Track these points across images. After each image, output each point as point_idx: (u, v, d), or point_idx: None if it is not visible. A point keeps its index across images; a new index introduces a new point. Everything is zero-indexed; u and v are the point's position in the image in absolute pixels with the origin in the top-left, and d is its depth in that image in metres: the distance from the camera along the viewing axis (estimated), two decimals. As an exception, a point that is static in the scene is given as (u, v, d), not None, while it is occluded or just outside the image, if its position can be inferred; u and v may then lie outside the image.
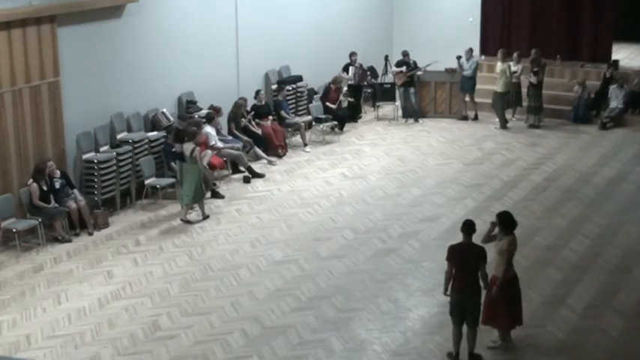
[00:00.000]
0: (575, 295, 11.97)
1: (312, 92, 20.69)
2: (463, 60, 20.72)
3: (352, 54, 21.01)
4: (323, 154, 18.64)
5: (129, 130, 16.11)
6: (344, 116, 20.33)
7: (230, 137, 17.61)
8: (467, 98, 21.08)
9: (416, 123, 20.96)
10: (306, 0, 20.93)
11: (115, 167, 15.27)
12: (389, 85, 21.56)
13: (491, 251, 10.36)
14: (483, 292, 10.24)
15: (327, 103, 20.13)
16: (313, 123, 19.79)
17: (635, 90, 20.64)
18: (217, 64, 18.29)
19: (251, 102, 18.59)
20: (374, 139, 19.74)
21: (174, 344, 10.81)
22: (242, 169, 17.27)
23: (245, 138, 17.86)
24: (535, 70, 20.03)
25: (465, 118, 21.13)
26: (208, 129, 16.54)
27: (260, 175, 17.14)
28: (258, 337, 10.96)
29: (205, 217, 14.99)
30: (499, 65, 20.17)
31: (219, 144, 16.83)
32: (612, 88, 20.54)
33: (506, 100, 20.40)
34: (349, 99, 20.69)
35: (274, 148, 18.33)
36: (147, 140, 16.16)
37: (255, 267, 13.08)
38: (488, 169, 17.55)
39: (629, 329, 11.10)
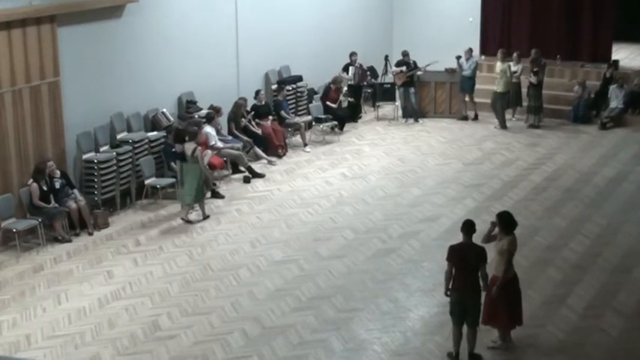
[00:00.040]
0: (575, 295, 11.97)
1: (312, 92, 20.69)
2: (463, 60, 20.72)
3: (352, 54, 21.01)
4: (323, 154, 18.64)
5: (129, 130, 16.11)
6: (344, 116, 20.33)
7: (230, 137, 17.61)
8: (466, 98, 21.09)
9: (416, 123, 20.97)
10: (306, 0, 20.93)
11: (115, 167, 15.27)
12: (389, 85, 21.56)
13: (492, 251, 10.36)
14: (484, 292, 10.24)
15: (328, 103, 20.14)
16: (313, 123, 19.79)
17: (635, 90, 20.64)
18: (217, 64, 18.29)
19: (251, 102, 18.60)
20: (374, 139, 19.74)
21: (174, 344, 10.81)
22: (242, 169, 17.27)
23: (245, 138, 17.86)
24: (535, 70, 20.03)
25: (465, 118, 21.13)
26: (208, 129, 16.53)
27: (260, 175, 17.14)
28: (258, 337, 10.97)
29: (205, 217, 14.99)
30: (499, 65, 20.17)
31: (219, 144, 16.83)
32: (612, 88, 20.55)
33: (506, 100, 20.40)
34: (349, 99, 20.70)
35: (274, 148, 18.33)
36: (147, 140, 16.16)
37: (255, 267, 13.08)
38: (488, 169, 17.55)
39: (629, 329, 11.10)
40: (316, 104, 20.19)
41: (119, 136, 15.81)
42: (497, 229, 10.35)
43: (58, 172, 14.26)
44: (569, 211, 15.17)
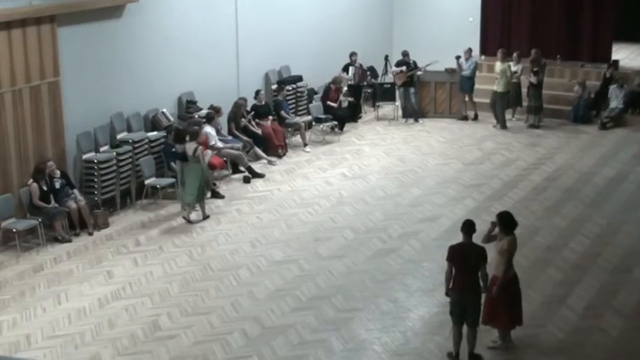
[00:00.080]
0: (575, 295, 11.97)
1: (312, 92, 20.69)
2: (462, 60, 20.72)
3: (352, 54, 21.01)
4: (323, 154, 18.64)
5: (129, 130, 16.11)
6: (344, 116, 20.33)
7: (230, 137, 17.61)
8: (466, 98, 21.09)
9: (416, 123, 20.96)
10: (306, 0, 20.93)
11: (115, 167, 15.27)
12: (389, 85, 21.56)
13: (492, 251, 10.36)
14: (484, 293, 10.25)
15: (329, 102, 20.14)
16: (313, 123, 19.79)
17: (635, 90, 20.65)
18: (217, 64, 18.29)
19: (251, 102, 18.60)
20: (374, 139, 19.74)
21: (174, 344, 10.81)
22: (242, 169, 17.27)
23: (245, 138, 17.86)
24: (535, 70, 20.03)
25: (465, 118, 21.13)
26: (208, 129, 16.54)
27: (260, 175, 17.14)
28: (258, 337, 10.97)
29: (205, 217, 14.99)
30: (498, 65, 20.16)
31: (219, 144, 16.83)
32: (612, 88, 20.55)
33: (506, 101, 20.40)
34: (349, 99, 20.70)
35: (274, 148, 18.33)
36: (147, 140, 16.16)
37: (255, 267, 13.08)
38: (488, 169, 17.55)
39: (629, 329, 11.10)
40: (316, 104, 20.19)
41: (119, 136, 15.81)
42: (497, 229, 10.35)
43: (58, 172, 14.26)
44: (569, 211, 15.17)
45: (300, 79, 20.31)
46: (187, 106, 17.41)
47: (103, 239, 14.21)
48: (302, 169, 17.67)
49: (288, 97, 19.74)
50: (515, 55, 20.66)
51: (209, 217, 15.03)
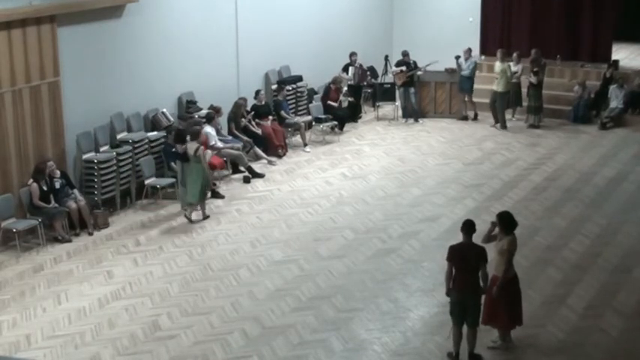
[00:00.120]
0: (575, 295, 11.97)
1: (312, 92, 20.70)
2: (462, 60, 20.72)
3: (352, 54, 21.01)
4: (323, 154, 18.64)
5: (129, 130, 16.11)
6: (344, 116, 20.33)
7: (230, 137, 17.61)
8: (466, 98, 21.09)
9: (416, 123, 20.96)
10: (306, 0, 20.93)
11: (115, 167, 15.27)
12: (389, 85, 21.56)
13: (492, 251, 10.36)
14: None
15: (329, 102, 20.14)
16: (313, 123, 19.79)
17: (635, 90, 20.64)
18: (217, 64, 18.29)
19: (251, 102, 18.60)
20: (374, 139, 19.74)
21: (174, 344, 10.81)
22: (242, 169, 17.27)
23: (245, 138, 17.86)
24: (535, 70, 20.03)
25: (465, 118, 21.13)
26: (208, 129, 16.54)
27: (260, 175, 17.14)
28: (258, 337, 10.97)
29: (205, 217, 14.99)
30: (498, 65, 20.16)
31: (219, 144, 16.83)
32: (612, 88, 20.55)
33: (506, 100, 20.40)
34: (349, 99, 20.70)
35: (274, 148, 18.33)
36: (147, 140, 16.16)
37: (255, 267, 13.08)
38: (488, 169, 17.55)
39: (629, 329, 11.10)
40: (316, 104, 20.19)
41: (119, 136, 15.81)
42: (497, 229, 10.35)
43: (58, 172, 14.27)
44: (569, 211, 15.17)
45: (300, 79, 20.31)
46: (187, 106, 17.41)
47: (103, 239, 14.21)
48: (302, 169, 17.67)
49: (288, 97, 19.74)
50: (515, 55, 20.65)
51: (209, 217, 15.03)
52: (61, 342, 10.88)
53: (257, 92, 18.67)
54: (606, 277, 12.57)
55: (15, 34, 13.82)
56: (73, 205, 14.24)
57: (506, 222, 10.27)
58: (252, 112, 18.39)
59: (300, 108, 20.22)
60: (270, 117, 18.71)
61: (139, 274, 12.86)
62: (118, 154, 15.38)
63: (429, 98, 21.43)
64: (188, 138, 14.98)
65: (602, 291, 12.13)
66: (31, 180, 13.95)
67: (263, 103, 18.62)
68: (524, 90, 20.62)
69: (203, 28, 17.82)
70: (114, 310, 11.74)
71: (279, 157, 18.32)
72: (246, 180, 16.93)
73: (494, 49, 21.41)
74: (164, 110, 16.76)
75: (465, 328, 10.22)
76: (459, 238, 10.35)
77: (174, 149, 15.54)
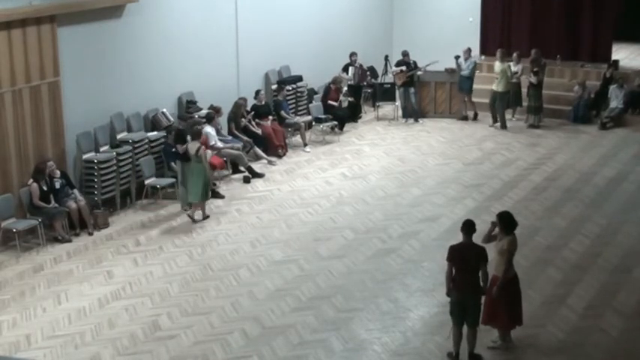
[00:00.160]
0: (575, 295, 11.97)
1: (312, 92, 20.70)
2: (461, 60, 20.72)
3: (352, 54, 21.01)
4: (323, 154, 18.64)
5: (129, 130, 16.11)
6: (344, 116, 20.33)
7: (230, 137, 17.62)
8: (465, 98, 21.09)
9: (416, 123, 20.96)
10: (306, 0, 20.93)
11: (115, 167, 15.27)
12: (389, 85, 21.56)
13: (492, 251, 10.36)
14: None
15: (329, 102, 20.14)
16: (313, 123, 19.79)
17: (635, 90, 20.64)
18: (217, 64, 18.29)
19: (251, 102, 18.60)
20: (374, 139, 19.74)
21: (174, 344, 10.81)
22: (242, 169, 17.28)
23: (245, 138, 17.86)
24: (535, 70, 20.03)
25: (465, 118, 21.13)
26: (208, 129, 16.53)
27: (260, 175, 17.14)
28: (258, 337, 10.97)
29: (205, 217, 14.99)
30: (498, 65, 20.16)
31: (219, 144, 16.83)
32: (612, 88, 20.55)
33: (506, 100, 20.40)
34: (349, 99, 20.70)
35: (274, 148, 18.33)
36: (147, 140, 16.16)
37: (255, 267, 13.08)
38: (488, 169, 17.55)
39: (629, 329, 11.10)
40: (316, 104, 20.19)
41: (119, 136, 15.81)
42: (497, 229, 10.35)
43: (58, 172, 14.27)
44: (569, 211, 15.17)
45: (300, 79, 20.31)
46: (187, 106, 17.41)
47: (103, 239, 14.21)
48: (302, 169, 17.67)
49: (288, 97, 19.74)
50: (515, 55, 20.65)
51: (209, 217, 15.03)
52: (61, 342, 10.88)
53: (257, 92, 18.67)
54: (606, 277, 12.57)
55: (15, 34, 13.83)
56: (73, 205, 14.24)
57: (506, 222, 10.28)
58: (252, 112, 18.39)
59: (300, 108, 20.22)
60: (270, 117, 18.72)
61: (139, 274, 12.86)
62: (118, 154, 15.38)
63: (429, 98, 21.43)
64: (189, 138, 14.98)
65: (602, 291, 12.13)
66: (31, 180, 13.95)
67: (263, 103, 18.62)
68: (524, 90, 20.62)
69: (203, 28, 17.82)
70: (114, 310, 11.74)
71: (279, 157, 18.32)
72: (246, 180, 16.93)
73: (494, 49, 21.40)
74: (164, 110, 16.76)
75: (465, 328, 10.22)
76: (459, 238, 10.35)
77: (174, 149, 15.55)
